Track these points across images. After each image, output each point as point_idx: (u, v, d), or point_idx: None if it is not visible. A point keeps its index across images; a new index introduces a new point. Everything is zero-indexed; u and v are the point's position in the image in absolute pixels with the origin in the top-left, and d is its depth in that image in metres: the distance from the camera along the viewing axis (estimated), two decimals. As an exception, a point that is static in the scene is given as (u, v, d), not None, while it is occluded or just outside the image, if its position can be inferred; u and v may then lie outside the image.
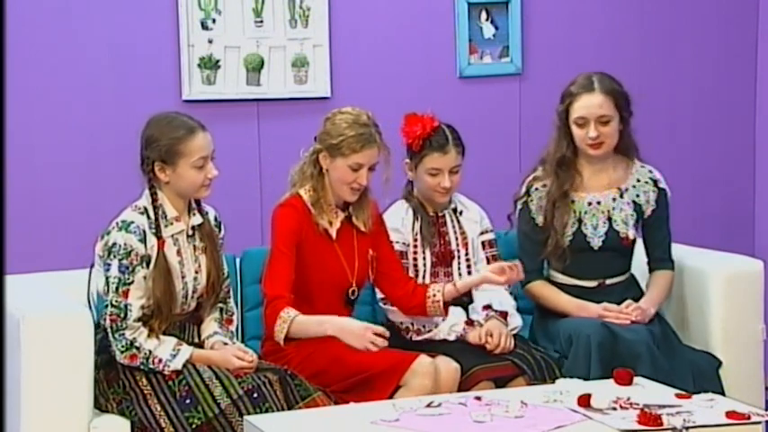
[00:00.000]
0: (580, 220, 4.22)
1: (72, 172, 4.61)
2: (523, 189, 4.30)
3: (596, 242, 4.22)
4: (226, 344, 3.81)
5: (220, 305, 3.90)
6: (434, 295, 3.99)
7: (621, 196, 4.25)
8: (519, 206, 4.30)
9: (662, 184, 4.30)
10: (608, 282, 4.24)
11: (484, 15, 5.04)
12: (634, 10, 5.24)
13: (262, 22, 4.76)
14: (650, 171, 4.31)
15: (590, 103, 4.15)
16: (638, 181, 4.28)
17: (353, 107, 3.96)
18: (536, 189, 4.27)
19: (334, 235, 3.96)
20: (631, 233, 4.24)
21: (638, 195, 4.27)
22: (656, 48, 5.26)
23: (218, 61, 4.73)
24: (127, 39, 4.64)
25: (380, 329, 3.73)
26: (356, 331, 3.72)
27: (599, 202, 4.24)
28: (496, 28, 5.06)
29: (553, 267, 4.24)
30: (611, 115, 4.16)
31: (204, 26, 4.71)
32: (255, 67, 4.77)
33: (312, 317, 3.77)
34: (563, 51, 5.11)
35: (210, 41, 4.72)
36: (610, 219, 4.23)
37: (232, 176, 4.42)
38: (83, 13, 4.59)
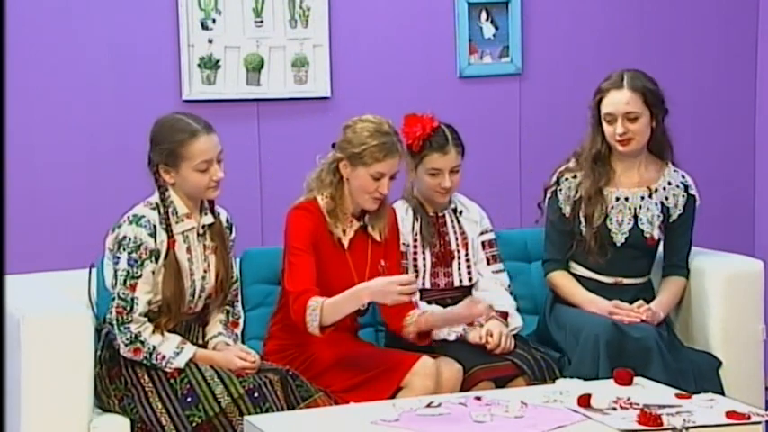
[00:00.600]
0: (606, 215, 4.22)
1: (72, 172, 4.61)
2: (554, 178, 4.31)
3: (619, 238, 4.22)
4: (228, 344, 3.81)
5: (227, 307, 3.90)
6: (408, 325, 3.93)
7: (650, 196, 4.25)
8: (548, 195, 4.31)
9: (692, 191, 4.31)
10: (625, 281, 4.24)
11: (484, 15, 5.04)
12: (634, 10, 5.24)
13: (262, 22, 4.76)
14: (683, 176, 4.31)
15: (617, 100, 4.16)
16: (670, 184, 4.28)
17: (374, 115, 3.92)
18: (566, 179, 4.27)
19: (346, 244, 3.93)
20: (656, 234, 4.24)
21: (666, 198, 4.27)
22: (656, 48, 5.26)
23: (218, 61, 4.73)
24: (127, 39, 4.64)
25: (405, 278, 3.69)
26: (383, 289, 3.68)
27: (627, 199, 4.24)
28: (496, 28, 5.05)
29: (591, 263, 4.23)
30: (640, 112, 4.17)
31: (204, 26, 4.71)
32: (255, 67, 4.77)
33: (340, 295, 3.72)
34: (563, 51, 5.11)
35: (210, 41, 4.71)
36: (636, 217, 4.23)
37: (232, 176, 4.40)
38: (83, 13, 4.59)
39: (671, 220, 4.27)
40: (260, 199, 4.80)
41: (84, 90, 4.61)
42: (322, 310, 3.69)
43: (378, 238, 3.97)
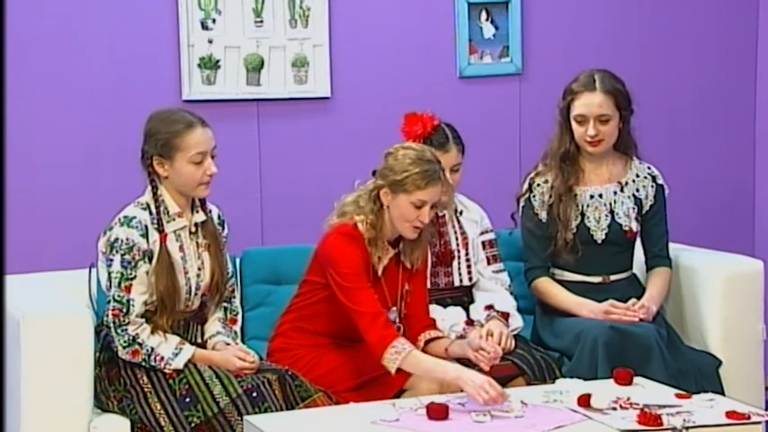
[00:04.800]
0: (583, 214, 4.24)
1: (72, 172, 4.61)
2: (525, 186, 4.32)
3: (599, 235, 4.23)
4: (228, 344, 3.81)
5: (225, 305, 3.90)
6: (421, 343, 3.85)
7: (622, 190, 4.28)
8: (522, 203, 4.31)
9: (660, 181, 4.34)
10: (612, 278, 4.26)
11: (484, 15, 5.04)
12: (634, 10, 5.24)
13: (262, 22, 4.76)
14: (648, 167, 4.34)
15: (590, 102, 4.17)
16: (638, 176, 4.31)
17: (416, 143, 3.89)
18: (538, 185, 4.29)
19: (380, 272, 3.87)
20: (634, 226, 4.26)
21: (637, 190, 4.29)
22: (656, 48, 5.26)
23: (218, 61, 4.73)
24: (127, 39, 4.64)
25: (498, 388, 3.45)
26: (477, 382, 3.47)
27: (600, 195, 4.26)
28: (496, 28, 5.06)
29: (564, 261, 4.23)
30: (611, 114, 4.18)
31: (204, 26, 4.71)
32: (255, 67, 4.77)
33: (431, 359, 3.66)
34: (563, 51, 5.12)
35: (210, 41, 4.72)
36: (612, 212, 4.25)
37: (232, 176, 4.42)
38: (83, 13, 4.59)
39: (644, 212, 4.30)
40: (260, 199, 4.80)
41: (84, 90, 4.61)
42: (405, 358, 3.60)
43: (409, 266, 3.92)
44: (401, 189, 3.78)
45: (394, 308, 3.93)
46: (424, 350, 3.82)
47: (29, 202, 4.50)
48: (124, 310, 3.63)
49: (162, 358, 3.64)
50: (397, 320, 3.91)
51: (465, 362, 3.86)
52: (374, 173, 3.88)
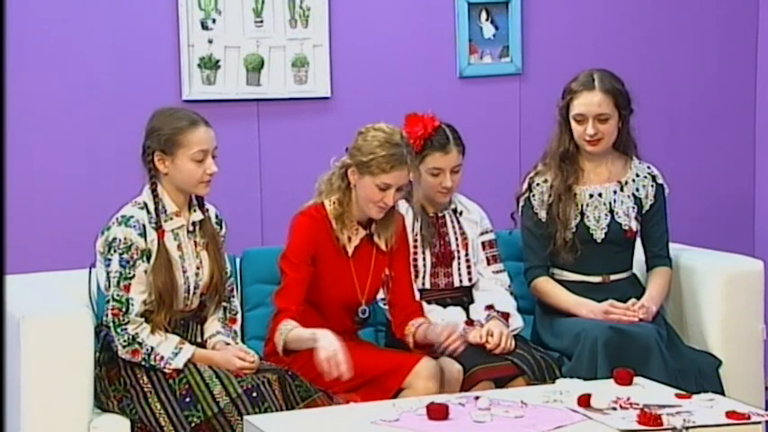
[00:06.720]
0: (582, 213, 4.24)
1: (72, 172, 4.61)
2: (525, 185, 4.32)
3: (599, 234, 4.24)
4: (228, 344, 3.81)
5: (224, 304, 3.90)
6: (408, 335, 3.91)
7: (622, 189, 4.28)
8: (521, 203, 4.32)
9: (660, 180, 4.34)
10: (612, 277, 4.26)
11: (484, 15, 5.04)
12: (634, 10, 5.24)
13: (262, 22, 4.76)
14: (648, 167, 4.35)
15: (589, 101, 4.18)
16: (638, 176, 4.31)
17: (388, 124, 3.89)
18: (537, 184, 4.29)
19: (350, 252, 3.90)
20: (634, 225, 4.26)
21: (637, 189, 4.30)
22: (656, 47, 5.26)
23: (218, 61, 4.73)
24: (127, 39, 4.64)
25: (340, 359, 3.60)
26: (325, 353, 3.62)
27: (600, 195, 4.26)
28: (496, 28, 5.06)
29: (563, 261, 4.24)
30: (610, 113, 4.19)
31: (204, 26, 4.71)
32: (255, 67, 4.77)
33: (306, 331, 3.71)
34: (563, 51, 5.12)
35: (210, 41, 4.72)
36: (612, 211, 4.25)
37: (232, 176, 4.42)
38: (83, 13, 4.59)
39: (644, 212, 4.30)
40: (260, 199, 4.80)
41: (85, 90, 4.61)
42: (287, 337, 3.72)
43: (383, 248, 3.94)
44: (367, 171, 3.80)
45: (374, 305, 4.00)
46: (414, 338, 3.89)
47: (29, 202, 4.50)
48: (123, 310, 3.63)
49: (162, 358, 3.64)
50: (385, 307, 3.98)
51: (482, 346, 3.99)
52: (348, 149, 3.89)
